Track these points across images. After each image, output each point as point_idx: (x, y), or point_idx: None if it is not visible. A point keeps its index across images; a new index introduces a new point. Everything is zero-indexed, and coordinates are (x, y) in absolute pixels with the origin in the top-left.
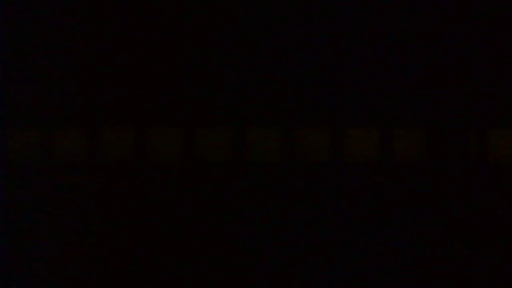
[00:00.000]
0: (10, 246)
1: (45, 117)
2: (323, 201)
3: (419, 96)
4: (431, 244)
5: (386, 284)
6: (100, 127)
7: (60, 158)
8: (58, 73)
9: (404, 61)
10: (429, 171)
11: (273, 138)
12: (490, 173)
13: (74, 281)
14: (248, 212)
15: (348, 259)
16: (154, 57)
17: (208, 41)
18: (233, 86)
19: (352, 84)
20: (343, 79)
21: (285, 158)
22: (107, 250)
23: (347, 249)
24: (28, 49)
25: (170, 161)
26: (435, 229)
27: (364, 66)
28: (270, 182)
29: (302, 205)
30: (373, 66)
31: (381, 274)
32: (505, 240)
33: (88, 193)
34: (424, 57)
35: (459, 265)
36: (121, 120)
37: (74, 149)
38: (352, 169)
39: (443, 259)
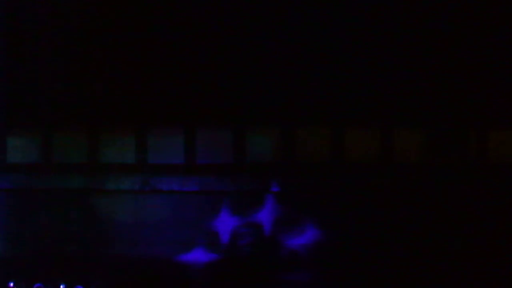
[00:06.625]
0: (10, 245)
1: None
2: (323, 201)
3: (419, 96)
4: (431, 243)
5: (386, 284)
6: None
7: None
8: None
9: (405, 61)
10: (429, 171)
11: (273, 137)
12: (490, 173)
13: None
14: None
15: (348, 259)
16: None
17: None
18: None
19: (352, 85)
20: (343, 80)
21: (285, 158)
22: None
23: (346, 248)
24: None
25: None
26: (435, 229)
27: (364, 67)
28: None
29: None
30: (374, 67)
31: (381, 274)
32: (505, 240)
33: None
34: (425, 57)
35: (459, 265)
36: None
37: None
38: (352, 169)
39: (443, 258)
